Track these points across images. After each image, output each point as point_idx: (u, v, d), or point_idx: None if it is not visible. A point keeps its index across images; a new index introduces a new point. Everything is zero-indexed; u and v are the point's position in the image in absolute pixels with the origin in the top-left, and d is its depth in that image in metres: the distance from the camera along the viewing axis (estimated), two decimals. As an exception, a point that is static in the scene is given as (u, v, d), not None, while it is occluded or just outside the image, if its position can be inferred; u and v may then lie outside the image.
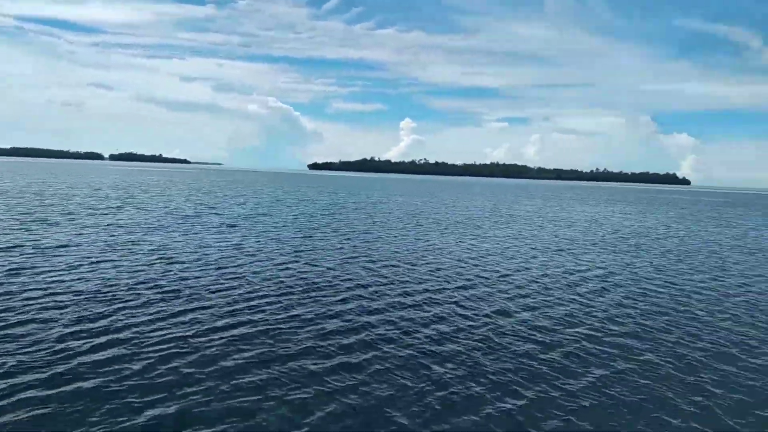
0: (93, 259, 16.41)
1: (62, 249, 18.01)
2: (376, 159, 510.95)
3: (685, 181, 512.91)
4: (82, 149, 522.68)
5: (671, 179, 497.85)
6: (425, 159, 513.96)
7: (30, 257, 16.27)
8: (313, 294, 13.35)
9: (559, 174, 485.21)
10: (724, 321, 12.55)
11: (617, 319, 12.28)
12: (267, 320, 10.90)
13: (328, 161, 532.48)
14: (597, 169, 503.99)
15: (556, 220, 39.92)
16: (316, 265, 17.18)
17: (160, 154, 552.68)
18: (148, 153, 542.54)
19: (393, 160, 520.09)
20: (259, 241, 21.93)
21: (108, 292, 12.53)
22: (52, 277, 13.77)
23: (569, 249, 23.86)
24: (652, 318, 12.48)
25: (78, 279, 13.71)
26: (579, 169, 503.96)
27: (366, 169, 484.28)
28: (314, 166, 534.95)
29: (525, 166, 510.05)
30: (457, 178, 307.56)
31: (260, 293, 13.12)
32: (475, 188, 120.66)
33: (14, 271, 14.17)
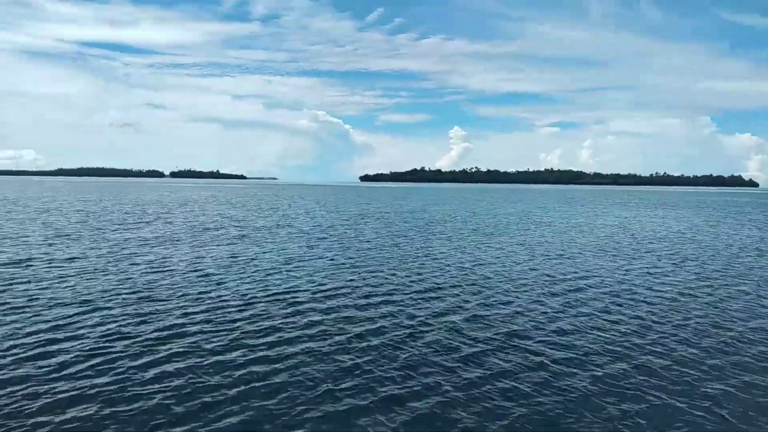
0: (90, 270, 17.69)
1: (68, 261, 19.44)
2: (427, 169, 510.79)
3: (752, 183, 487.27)
4: (144, 167, 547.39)
5: (737, 182, 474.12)
6: (476, 167, 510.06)
7: (36, 269, 17.71)
8: (274, 302, 14.05)
9: (616, 179, 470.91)
10: (675, 326, 12.44)
11: (557, 323, 12.38)
12: (216, 323, 11.66)
13: (379, 173, 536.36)
14: (657, 173, 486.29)
15: (580, 226, 39.30)
16: (297, 275, 17.87)
17: (218, 170, 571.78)
18: (206, 170, 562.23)
19: (444, 170, 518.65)
20: (257, 252, 22.87)
21: (85, 299, 13.61)
22: (42, 286, 15.04)
23: (569, 255, 23.67)
24: (600, 321, 12.51)
25: (65, 288, 14.91)
26: (637, 173, 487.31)
27: (417, 179, 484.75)
28: (365, 178, 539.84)
29: (581, 172, 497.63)
30: (508, 186, 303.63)
31: (226, 301, 13.92)
32: (522, 195, 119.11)
33: (12, 282, 15.54)
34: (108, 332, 10.88)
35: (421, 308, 13.41)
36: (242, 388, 8.31)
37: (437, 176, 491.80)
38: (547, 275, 18.40)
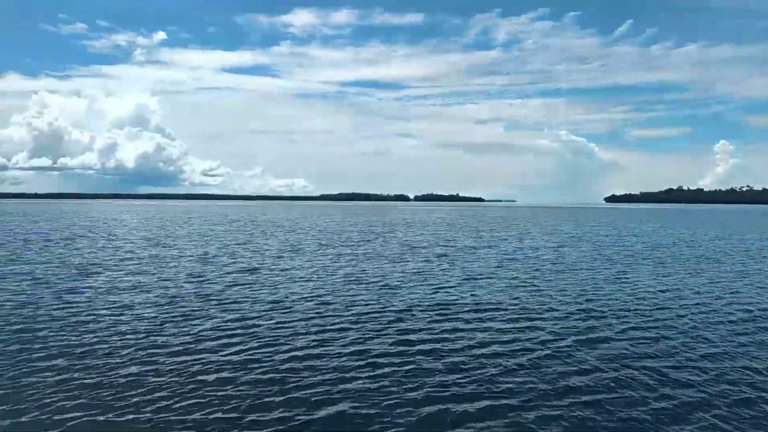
0: (295, 279, 21.09)
1: (283, 271, 23.32)
2: (685, 188, 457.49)
3: None
4: (393, 192, 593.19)
5: None
6: (748, 186, 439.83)
7: (258, 276, 21.79)
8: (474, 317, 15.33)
9: None
10: None
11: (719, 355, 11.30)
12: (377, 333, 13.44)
13: (628, 193, 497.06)
14: None
15: None
16: (464, 290, 18.84)
17: (457, 194, 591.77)
18: (446, 193, 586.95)
19: (706, 189, 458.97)
20: (443, 269, 24.31)
21: (278, 300, 16.59)
22: (253, 289, 18.64)
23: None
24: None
25: (268, 291, 18.24)
26: None
27: (671, 200, 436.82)
28: (611, 199, 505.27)
29: None
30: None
31: (387, 308, 15.66)
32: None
33: (234, 284, 19.53)
34: (281, 325, 13.34)
35: (562, 330, 13.32)
36: (349, 374, 9.75)
37: (697, 196, 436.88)
38: (741, 310, 16.27)
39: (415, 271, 23.67)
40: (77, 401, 8.49)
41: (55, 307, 15.13)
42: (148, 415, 8.07)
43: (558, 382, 9.47)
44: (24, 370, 9.85)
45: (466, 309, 15.52)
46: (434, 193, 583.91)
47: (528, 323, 13.81)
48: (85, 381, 9.35)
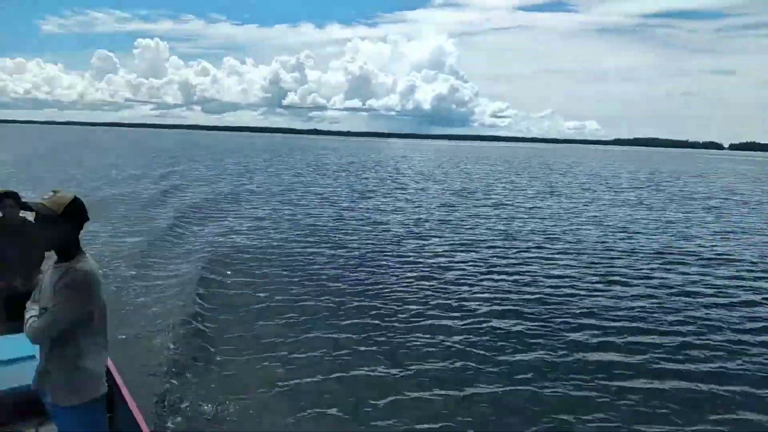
0: (533, 216, 22.20)
1: (528, 209, 24.48)
2: None
3: None
4: (701, 138, 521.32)
5: None
6: None
7: (500, 211, 23.52)
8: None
9: None
10: None
11: None
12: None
13: None
14: None
15: None
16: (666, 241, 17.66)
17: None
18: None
19: None
20: (706, 221, 22.55)
21: (509, 232, 18.13)
22: (487, 221, 20.46)
23: None
24: None
25: (502, 225, 19.85)
26: None
27: None
28: None
29: None
30: None
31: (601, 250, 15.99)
32: None
33: (473, 216, 21.63)
34: (493, 248, 14.99)
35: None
36: (530, 294, 10.98)
37: None
38: None
39: (666, 219, 22.40)
40: (325, 274, 11.62)
41: (333, 218, 19.56)
42: (370, 294, 10.60)
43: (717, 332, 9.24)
44: (282, 252, 13.61)
45: (698, 260, 14.69)
46: (757, 141, 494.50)
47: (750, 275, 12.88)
48: (322, 273, 12.52)
